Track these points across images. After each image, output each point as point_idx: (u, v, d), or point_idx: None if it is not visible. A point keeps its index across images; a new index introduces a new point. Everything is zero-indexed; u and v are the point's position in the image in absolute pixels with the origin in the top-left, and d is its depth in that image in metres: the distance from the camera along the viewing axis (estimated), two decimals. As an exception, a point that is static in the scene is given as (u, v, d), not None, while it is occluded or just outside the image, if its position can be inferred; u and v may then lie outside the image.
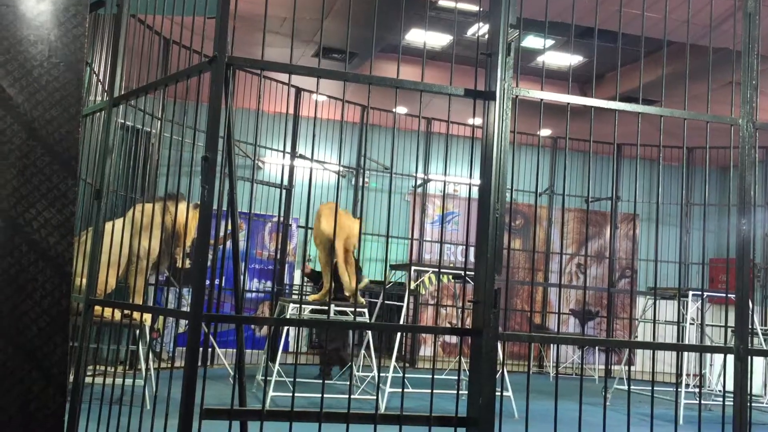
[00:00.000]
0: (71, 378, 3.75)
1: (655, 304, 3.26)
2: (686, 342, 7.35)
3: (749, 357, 3.07)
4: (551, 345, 10.11)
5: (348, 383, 7.30)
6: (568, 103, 3.06)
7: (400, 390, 3.03)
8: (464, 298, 6.90)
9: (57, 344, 3.86)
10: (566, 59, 9.67)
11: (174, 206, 5.42)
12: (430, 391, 2.99)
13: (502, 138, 2.93)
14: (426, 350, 10.73)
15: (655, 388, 3.32)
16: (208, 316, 3.26)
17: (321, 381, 7.14)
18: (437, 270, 6.69)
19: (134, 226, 5.25)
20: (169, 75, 3.07)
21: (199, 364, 2.91)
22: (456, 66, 3.21)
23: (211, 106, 2.77)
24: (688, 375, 7.80)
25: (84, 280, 5.04)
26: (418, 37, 9.12)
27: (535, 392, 3.25)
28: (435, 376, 2.96)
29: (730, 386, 6.64)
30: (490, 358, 2.85)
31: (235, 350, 9.43)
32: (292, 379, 6.58)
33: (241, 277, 3.09)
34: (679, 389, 7.18)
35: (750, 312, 3.06)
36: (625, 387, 8.17)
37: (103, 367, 6.60)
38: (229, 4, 2.77)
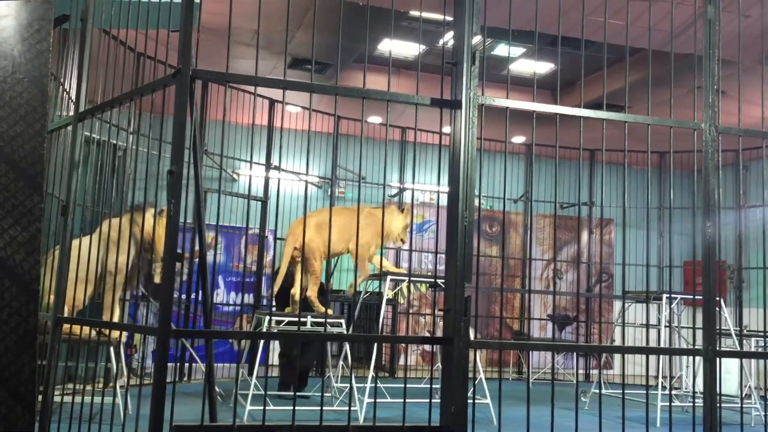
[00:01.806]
0: (40, 396, 3.68)
1: (624, 307, 3.29)
2: (662, 345, 7.41)
3: (718, 358, 3.10)
4: (530, 351, 10.14)
5: (327, 395, 7.27)
6: (534, 111, 3.08)
7: (379, 400, 3.02)
8: (433, 307, 6.92)
9: (25, 362, 3.80)
10: (537, 67, 9.77)
11: (141, 217, 5.38)
12: (408, 401, 2.99)
13: (468, 146, 2.94)
14: (406, 359, 10.72)
15: (631, 391, 3.35)
16: (176, 332, 3.22)
17: (301, 394, 7.12)
18: (412, 279, 6.75)
19: (105, 240, 5.19)
20: (134, 89, 3.05)
21: (176, 379, 2.89)
22: (428, 75, 3.24)
23: (176, 119, 2.76)
24: (665, 377, 7.87)
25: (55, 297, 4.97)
26: (389, 47, 9.16)
27: (515, 398, 3.26)
28: (414, 386, 2.97)
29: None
30: (462, 366, 2.86)
31: (220, 365, 9.34)
32: (269, 393, 6.53)
33: (209, 291, 3.06)
34: (654, 392, 7.27)
35: (719, 313, 3.09)
36: (603, 391, 8.23)
37: (76, 386, 6.50)
38: (192, 18, 2.76)
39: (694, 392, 3.12)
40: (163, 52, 7.07)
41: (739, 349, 7.46)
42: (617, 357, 11.24)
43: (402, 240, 7.06)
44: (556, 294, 10.63)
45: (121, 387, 6.13)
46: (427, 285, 7.01)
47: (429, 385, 6.87)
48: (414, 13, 8.46)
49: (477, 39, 9.28)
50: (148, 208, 5.79)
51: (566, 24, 5.14)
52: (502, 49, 9.17)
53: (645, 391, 2.99)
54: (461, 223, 2.90)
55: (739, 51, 3.43)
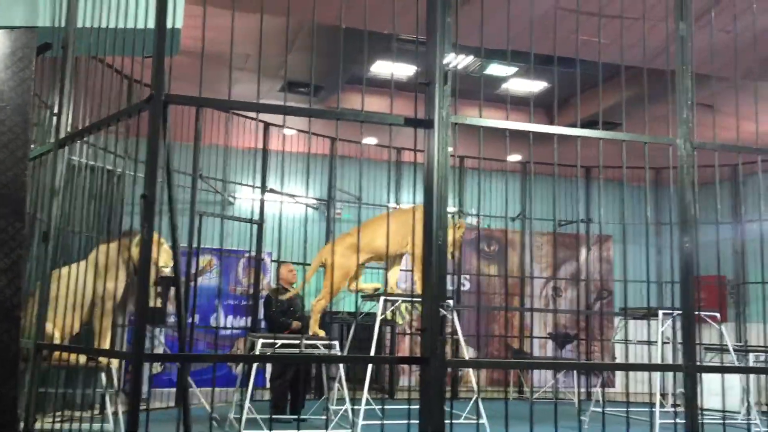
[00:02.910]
0: (22, 423, 3.67)
1: (622, 324, 3.27)
2: (660, 361, 7.35)
3: (698, 373, 3.08)
4: (529, 370, 10.06)
5: (323, 418, 7.22)
6: (507, 130, 3.10)
7: (374, 422, 3.00)
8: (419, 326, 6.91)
9: (8, 389, 3.79)
10: (530, 86, 9.81)
11: (131, 243, 5.39)
12: (406, 422, 2.98)
13: (441, 165, 2.95)
14: (405, 380, 10.64)
15: (632, 409, 3.33)
16: (150, 356, 3.21)
17: (298, 417, 7.06)
18: (386, 298, 6.79)
19: (96, 267, 5.19)
20: (110, 114, 3.08)
21: (173, 404, 2.88)
22: (420, 95, 3.23)
23: (150, 144, 2.78)
24: (664, 395, 7.79)
25: (47, 324, 4.97)
26: (382, 68, 9.23)
27: (515, 418, 3.24)
28: (414, 407, 2.97)
29: (712, 404, 6.61)
30: (439, 386, 2.84)
31: (216, 389, 9.29)
32: (265, 417, 6.49)
33: (186, 314, 3.06)
34: (656, 409, 7.19)
35: (696, 328, 3.07)
36: (607, 410, 8.15)
37: (69, 413, 6.47)
38: (164, 44, 2.80)
39: (675, 407, 3.08)
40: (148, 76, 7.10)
41: (738, 364, 7.41)
42: (618, 375, 11.15)
43: (452, 254, 7.10)
44: (555, 312, 10.58)
45: (114, 413, 6.11)
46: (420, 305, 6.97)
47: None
48: (405, 36, 8.54)
49: (470, 59, 9.32)
50: (137, 234, 5.81)
51: (556, 43, 5.18)
52: (493, 69, 9.23)
53: (642, 409, 2.96)
54: (435, 242, 2.91)
55: (714, 62, 3.45)
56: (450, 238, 7.01)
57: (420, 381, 2.99)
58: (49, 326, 5.19)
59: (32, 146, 4.20)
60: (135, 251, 5.88)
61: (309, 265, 8.41)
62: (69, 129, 3.77)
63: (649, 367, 3.77)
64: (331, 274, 6.31)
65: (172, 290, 8.94)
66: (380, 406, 5.72)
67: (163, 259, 5.82)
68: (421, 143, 3.10)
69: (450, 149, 3.01)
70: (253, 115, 9.04)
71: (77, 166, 4.69)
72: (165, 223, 2.98)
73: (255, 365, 6.76)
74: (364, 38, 3.42)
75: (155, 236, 6.06)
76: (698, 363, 3.10)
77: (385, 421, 6.37)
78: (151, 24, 2.93)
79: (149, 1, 2.98)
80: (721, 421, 4.88)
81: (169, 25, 3.22)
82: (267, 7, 4.76)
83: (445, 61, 2.91)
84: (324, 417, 7.12)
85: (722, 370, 3.38)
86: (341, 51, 3.11)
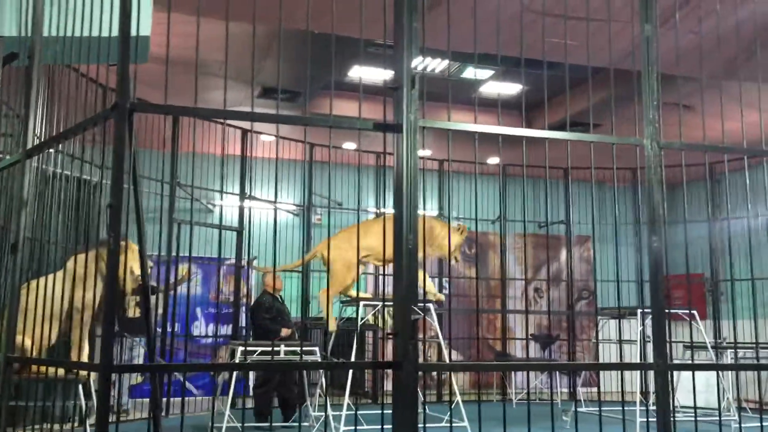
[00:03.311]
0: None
1: (600, 324, 3.29)
2: (641, 359, 7.38)
3: (670, 371, 3.10)
4: (512, 372, 10.10)
5: (306, 425, 7.18)
6: (476, 133, 3.11)
7: (354, 428, 2.98)
8: (419, 331, 6.93)
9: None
10: (509, 88, 9.87)
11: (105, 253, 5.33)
12: (379, 427, 2.97)
13: (410, 168, 2.95)
14: (390, 385, 10.63)
15: (613, 408, 3.36)
16: (119, 367, 3.18)
17: (283, 425, 7.02)
18: (362, 302, 6.84)
19: (71, 277, 5.14)
20: (76, 123, 3.05)
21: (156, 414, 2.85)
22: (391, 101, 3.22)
23: (115, 153, 2.75)
24: (645, 393, 7.83)
25: (23, 338, 4.90)
26: (359, 73, 9.24)
27: (496, 420, 3.26)
28: (386, 411, 2.97)
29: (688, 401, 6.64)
30: (411, 390, 2.84)
31: (199, 398, 9.23)
32: (247, 425, 6.44)
33: (152, 325, 3.04)
34: (634, 408, 7.22)
35: (669, 326, 3.10)
36: (586, 409, 8.19)
37: (47, 426, 6.39)
38: (128, 52, 2.78)
39: (648, 407, 3.10)
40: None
41: (716, 362, 7.48)
42: (602, 374, 11.21)
43: (456, 258, 7.20)
44: (534, 313, 10.63)
45: (91, 425, 6.04)
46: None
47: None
48: (381, 40, 8.55)
49: (446, 62, 9.29)
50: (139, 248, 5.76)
51: (530, 46, 5.21)
52: (470, 72, 9.26)
53: (635, 408, 2.98)
54: (405, 246, 2.91)
55: (685, 63, 3.49)
56: (454, 241, 7.10)
57: (393, 385, 2.98)
58: (21, 338, 5.13)
59: (0, 156, 4.16)
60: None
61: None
62: (40, 138, 3.73)
63: (621, 366, 3.79)
64: (330, 268, 6.48)
65: (152, 299, 8.87)
66: (351, 412, 5.74)
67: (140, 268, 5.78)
68: (391, 148, 3.11)
69: (428, 152, 3.02)
70: (230, 122, 9.00)
71: (51, 176, 4.64)
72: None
73: (236, 373, 6.72)
74: (333, 44, 3.42)
75: (132, 245, 6.03)
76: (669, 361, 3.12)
77: (365, 427, 6.36)
78: (118, 32, 2.91)
79: (115, 9, 2.95)
80: (703, 419, 4.93)
81: (134, 32, 3.19)
82: (240, 13, 4.76)
83: (417, 66, 2.92)
84: (306, 424, 7.10)
85: (693, 367, 3.40)
86: (309, 57, 3.11)
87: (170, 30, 2.86)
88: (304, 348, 6.48)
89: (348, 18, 3.78)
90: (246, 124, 9.43)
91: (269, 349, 6.20)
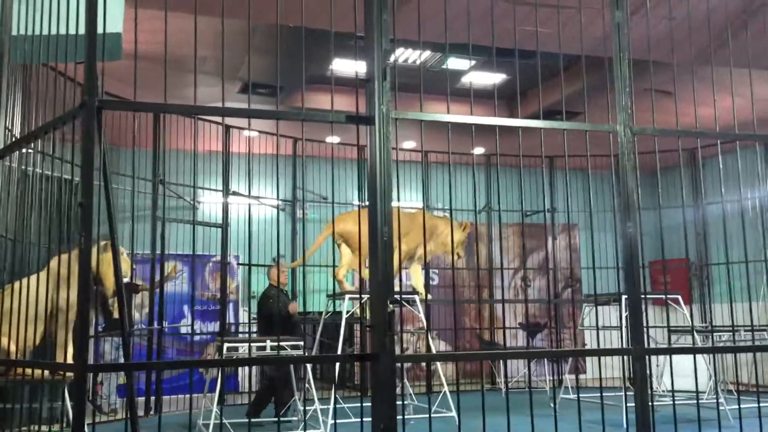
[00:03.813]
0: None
1: (587, 311, 3.30)
2: (624, 345, 7.43)
3: (647, 356, 3.12)
4: (500, 361, 10.14)
5: (295, 419, 7.19)
6: (449, 123, 3.10)
7: (341, 420, 2.98)
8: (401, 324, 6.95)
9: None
10: (491, 78, 9.86)
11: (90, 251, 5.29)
12: (358, 419, 2.97)
13: (384, 160, 2.95)
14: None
15: (602, 394, 3.38)
16: (94, 367, 3.17)
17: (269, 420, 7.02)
18: (336, 296, 6.87)
19: (54, 277, 5.10)
20: (45, 122, 3.02)
21: (142, 414, 2.85)
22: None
23: (84, 151, 2.73)
24: (632, 379, 7.87)
25: (8, 340, 4.87)
26: (342, 66, 9.21)
27: (487, 409, 3.28)
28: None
29: (681, 385, 6.68)
30: (389, 382, 2.84)
31: (184, 395, 9.21)
32: (231, 421, 6.44)
33: (127, 323, 3.02)
34: (622, 393, 7.27)
35: (643, 312, 3.11)
36: (574, 396, 8.23)
37: (35, 427, 6.37)
38: (95, 49, 2.75)
39: (625, 390, 3.12)
40: (107, 83, 7.04)
41: (702, 345, 7.53)
42: (589, 361, 11.28)
43: (458, 254, 7.29)
44: (521, 302, 10.66)
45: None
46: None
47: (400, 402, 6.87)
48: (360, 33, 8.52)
49: (426, 54, 9.31)
50: (94, 242, 5.71)
51: (506, 36, 5.20)
52: (453, 63, 9.25)
53: (612, 394, 2.99)
54: (381, 238, 2.90)
55: (661, 49, 3.49)
56: (456, 238, 7.19)
57: (371, 378, 2.98)
58: (4, 340, 5.10)
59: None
60: (94, 261, 5.79)
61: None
62: (12, 138, 3.70)
63: (599, 352, 3.82)
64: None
65: (136, 298, 8.84)
66: (329, 406, 5.77)
67: (123, 268, 5.75)
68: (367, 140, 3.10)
69: (411, 144, 3.02)
70: (212, 118, 8.96)
71: (30, 175, 4.60)
72: (126, 230, 2.94)
73: (222, 370, 6.71)
74: (303, 38, 3.42)
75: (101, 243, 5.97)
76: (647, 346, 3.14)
77: (352, 420, 6.37)
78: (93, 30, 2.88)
79: (83, 7, 2.92)
80: (687, 402, 4.97)
81: (107, 29, 3.16)
82: (216, 9, 4.73)
83: (397, 57, 2.92)
84: (295, 418, 7.11)
85: (669, 351, 3.42)
86: (278, 51, 3.09)
87: (137, 27, 2.83)
88: (290, 342, 6.47)
89: (321, 11, 3.76)
90: (228, 120, 9.39)
91: (256, 344, 6.19)
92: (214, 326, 9.81)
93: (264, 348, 6.23)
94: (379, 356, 2.87)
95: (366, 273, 6.84)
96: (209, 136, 9.43)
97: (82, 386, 2.61)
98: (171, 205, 9.27)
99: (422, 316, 6.87)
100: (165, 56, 2.83)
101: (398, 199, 2.95)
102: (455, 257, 7.33)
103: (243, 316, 10.80)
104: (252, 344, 6.25)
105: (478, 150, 11.08)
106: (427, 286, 9.67)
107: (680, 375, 7.07)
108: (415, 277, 7.46)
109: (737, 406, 6.52)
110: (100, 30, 2.84)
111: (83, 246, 2.64)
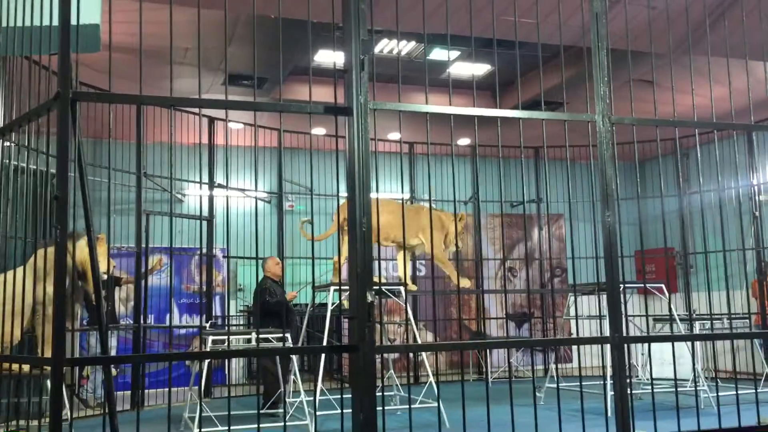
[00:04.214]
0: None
1: (572, 300, 3.31)
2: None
3: (625, 344, 3.14)
4: (487, 351, 10.18)
5: (280, 411, 7.18)
6: (427, 113, 3.10)
7: (328, 412, 2.99)
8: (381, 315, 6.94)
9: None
10: (474, 69, 9.85)
11: (73, 246, 5.26)
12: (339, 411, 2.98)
13: (362, 151, 2.94)
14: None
15: (584, 383, 3.41)
16: (70, 360, 3.15)
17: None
18: (316, 288, 6.86)
19: (36, 272, 5.07)
20: (21, 115, 2.99)
21: (128, 407, 2.83)
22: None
23: (60, 143, 2.71)
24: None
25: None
26: (326, 57, 9.17)
27: (472, 399, 3.31)
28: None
29: (666, 373, 6.69)
30: (368, 373, 2.84)
31: (174, 389, 9.18)
32: (218, 414, 6.44)
33: (103, 315, 3.01)
34: (609, 381, 7.32)
35: (624, 301, 3.13)
36: (561, 385, 8.28)
37: (24, 422, 6.34)
38: (69, 40, 2.72)
39: (605, 379, 3.14)
40: (87, 72, 6.96)
41: (686, 333, 7.59)
42: (575, 351, 11.34)
43: (456, 245, 7.40)
44: (507, 292, 10.70)
45: (64, 420, 5.99)
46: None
47: (388, 393, 6.86)
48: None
49: (411, 45, 9.27)
50: (79, 236, 5.68)
51: (486, 25, 5.19)
52: (437, 54, 9.23)
53: (596, 382, 3.01)
54: (359, 229, 2.90)
55: (644, 38, 3.49)
56: (453, 229, 7.25)
57: (350, 368, 2.99)
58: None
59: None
60: (77, 254, 5.75)
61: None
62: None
63: (578, 341, 3.84)
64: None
65: (120, 291, 8.80)
66: (307, 398, 5.78)
67: (101, 262, 5.73)
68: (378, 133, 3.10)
69: (397, 135, 3.01)
70: (196, 110, 8.90)
71: (10, 169, 4.57)
72: (109, 223, 2.93)
73: (208, 363, 6.70)
74: (281, 29, 3.40)
75: (102, 236, 5.93)
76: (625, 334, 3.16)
77: (331, 411, 6.38)
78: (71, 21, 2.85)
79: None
80: (669, 389, 5.03)
81: (84, 20, 3.13)
82: (196, 1, 4.68)
83: (383, 49, 2.91)
84: (281, 410, 7.10)
85: (649, 339, 3.45)
86: (253, 39, 3.07)
87: (111, 17, 2.81)
88: (275, 335, 6.46)
89: (299, 2, 3.74)
90: (212, 112, 9.34)
91: (241, 337, 6.18)
92: (199, 319, 9.79)
93: (250, 341, 6.23)
94: (359, 347, 2.88)
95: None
96: (194, 129, 9.38)
97: (58, 379, 2.59)
98: (156, 198, 9.23)
99: (407, 307, 6.88)
100: (140, 47, 2.81)
101: (377, 191, 2.95)
102: (453, 247, 7.40)
103: (229, 309, 10.79)
104: (237, 336, 6.24)
105: (465, 141, 11.08)
106: (414, 277, 9.71)
107: (667, 363, 7.13)
108: (447, 268, 7.56)
109: (721, 393, 6.60)
110: (76, 21, 2.81)
111: (59, 239, 2.62)
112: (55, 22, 3.14)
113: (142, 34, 2.97)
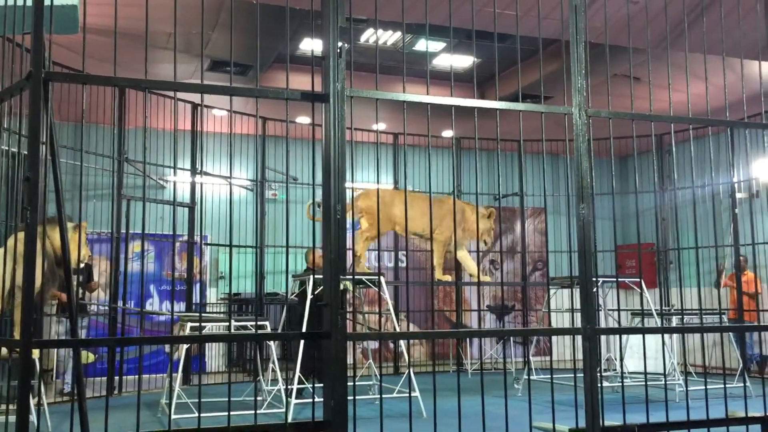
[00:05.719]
0: None
1: (532, 291, 3.33)
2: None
3: (597, 336, 3.17)
4: (467, 341, 10.23)
5: (260, 399, 7.17)
6: (404, 102, 3.10)
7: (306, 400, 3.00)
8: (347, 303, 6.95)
9: None
10: (458, 61, 9.86)
11: (52, 230, 5.22)
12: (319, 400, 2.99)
13: (338, 138, 2.94)
14: (349, 358, 10.68)
15: (562, 375, 3.43)
16: (39, 342, 3.13)
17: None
18: (295, 277, 6.84)
19: (12, 254, 5.02)
20: (-7, 95, 2.95)
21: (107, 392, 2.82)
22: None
23: (31, 124, 2.68)
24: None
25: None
26: (311, 46, 9.12)
27: (451, 390, 3.33)
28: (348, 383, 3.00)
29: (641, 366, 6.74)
30: (340, 360, 2.85)
31: (153, 375, 9.16)
32: (194, 401, 6.43)
33: (75, 299, 2.99)
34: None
35: (594, 293, 3.15)
36: (536, 377, 8.36)
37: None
38: (42, 20, 2.69)
39: (575, 370, 3.17)
40: (69, 56, 6.89)
41: (661, 326, 7.68)
42: (554, 343, 11.43)
43: (485, 241, 7.40)
44: (488, 285, 10.75)
45: (37, 405, 5.96)
46: (354, 283, 7.00)
47: (367, 382, 6.88)
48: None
49: (398, 35, 9.28)
50: (57, 222, 5.63)
51: (477, 18, 5.19)
52: (423, 45, 9.22)
53: (580, 375, 3.04)
54: (334, 216, 2.90)
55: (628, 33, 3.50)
56: (483, 226, 7.23)
57: (323, 356, 2.99)
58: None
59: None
60: (55, 238, 5.70)
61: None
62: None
63: (550, 332, 3.86)
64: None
65: (96, 277, 8.75)
66: (283, 387, 5.79)
67: (83, 249, 5.71)
68: (361, 123, 3.09)
69: (382, 126, 3.01)
70: (179, 96, 8.83)
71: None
72: (88, 208, 2.90)
73: (186, 349, 6.68)
74: (258, 16, 3.38)
75: (83, 224, 5.88)
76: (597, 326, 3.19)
77: (305, 400, 6.38)
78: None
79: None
80: (641, 383, 5.08)
81: (61, 1, 3.10)
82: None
83: (369, 38, 2.90)
84: (260, 398, 7.11)
85: (620, 331, 3.48)
86: (231, 25, 3.04)
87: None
88: (255, 323, 6.45)
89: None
90: (196, 99, 9.27)
91: (219, 324, 6.17)
92: (180, 306, 9.76)
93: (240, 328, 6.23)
94: (332, 334, 2.88)
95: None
96: (179, 115, 9.30)
97: (27, 362, 2.58)
98: (138, 184, 9.16)
99: (387, 297, 6.90)
100: (115, 28, 2.78)
101: (353, 180, 2.95)
102: (483, 244, 7.42)
103: (210, 296, 10.77)
104: (214, 324, 6.23)
105: (449, 133, 11.09)
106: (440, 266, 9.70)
107: (639, 357, 7.19)
108: (466, 262, 7.56)
109: (696, 388, 6.67)
110: (50, 1, 2.78)
111: (29, 220, 2.60)
112: (30, 2, 3.11)
113: (126, 17, 2.94)
